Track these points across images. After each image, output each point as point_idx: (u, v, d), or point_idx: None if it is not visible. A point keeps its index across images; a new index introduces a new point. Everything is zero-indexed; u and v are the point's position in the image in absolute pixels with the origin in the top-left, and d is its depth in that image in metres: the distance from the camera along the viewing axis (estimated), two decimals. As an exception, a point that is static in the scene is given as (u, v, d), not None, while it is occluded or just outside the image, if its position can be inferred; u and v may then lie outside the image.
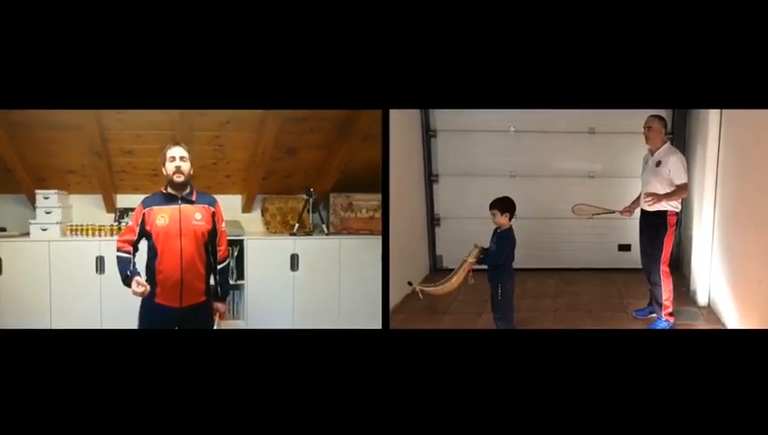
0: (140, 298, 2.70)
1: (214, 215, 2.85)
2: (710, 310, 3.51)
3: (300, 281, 4.26)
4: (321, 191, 4.53)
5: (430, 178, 4.46)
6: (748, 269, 2.98)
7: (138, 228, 2.76)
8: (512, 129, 4.35)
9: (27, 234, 4.02)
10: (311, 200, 4.43)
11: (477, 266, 3.06)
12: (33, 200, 4.10)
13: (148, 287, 2.63)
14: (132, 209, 2.99)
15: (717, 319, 3.37)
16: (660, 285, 3.20)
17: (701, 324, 3.34)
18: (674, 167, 3.11)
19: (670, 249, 3.20)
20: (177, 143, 2.82)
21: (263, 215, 4.60)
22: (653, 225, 3.21)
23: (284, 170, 4.43)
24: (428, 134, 4.38)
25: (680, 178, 3.11)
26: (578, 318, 3.50)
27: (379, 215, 4.45)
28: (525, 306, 3.63)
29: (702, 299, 3.59)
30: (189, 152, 2.80)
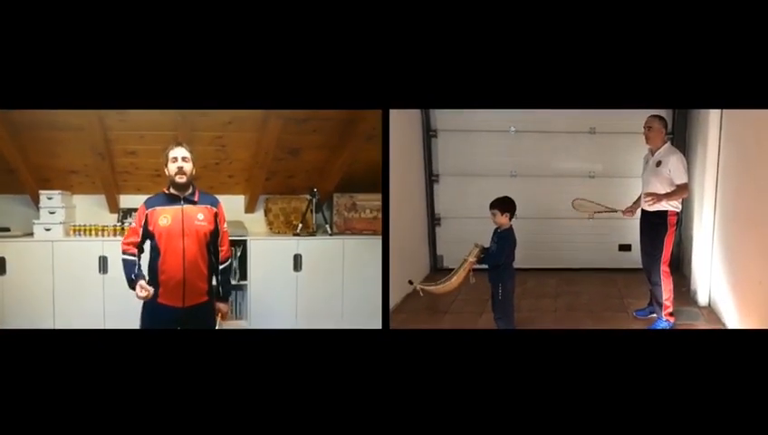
0: (143, 299, 2.71)
1: (216, 215, 2.86)
2: (710, 310, 3.51)
3: (303, 281, 4.27)
4: (325, 192, 4.54)
5: (431, 178, 4.47)
6: (748, 269, 2.98)
7: (141, 229, 2.78)
8: (512, 129, 4.35)
9: (31, 234, 4.04)
10: (314, 201, 4.43)
11: (478, 266, 3.06)
12: (36, 201, 4.12)
13: (152, 291, 2.65)
14: (135, 210, 3.00)
15: (718, 319, 3.37)
16: (661, 285, 3.20)
17: (701, 324, 3.34)
18: (674, 167, 3.11)
19: (671, 249, 3.20)
20: (179, 144, 2.83)
21: (266, 215, 4.61)
22: (653, 225, 3.21)
23: (287, 171, 4.44)
24: (429, 134, 4.39)
25: (680, 178, 3.11)
26: (578, 318, 3.50)
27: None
28: (526, 306, 3.63)
29: (702, 299, 3.59)
30: (191, 153, 2.81)
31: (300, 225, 4.40)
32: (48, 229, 4.02)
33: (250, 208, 4.65)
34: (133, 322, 2.82)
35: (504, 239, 3.03)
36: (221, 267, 2.91)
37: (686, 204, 3.61)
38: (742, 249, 3.10)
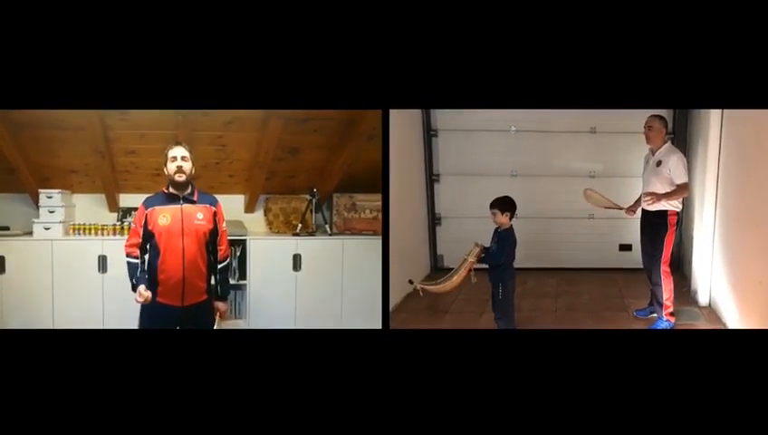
0: (142, 299, 2.72)
1: (215, 215, 2.87)
2: (711, 310, 3.51)
3: (302, 281, 4.26)
4: (325, 192, 4.54)
5: (431, 178, 4.47)
6: (749, 269, 2.98)
7: (141, 229, 2.78)
8: (513, 128, 4.35)
9: (30, 233, 4.03)
10: (314, 200, 4.43)
11: (478, 265, 3.06)
12: (36, 200, 4.12)
13: (150, 296, 2.66)
14: (135, 209, 3.00)
15: (718, 319, 3.36)
16: (661, 285, 3.20)
17: (702, 324, 3.34)
18: (674, 166, 3.11)
19: (671, 249, 3.20)
20: (178, 143, 2.84)
21: (265, 215, 4.61)
22: (654, 225, 3.21)
23: (287, 171, 4.44)
24: (429, 134, 4.39)
25: (680, 178, 3.11)
26: (579, 318, 3.50)
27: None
28: (526, 306, 3.63)
29: (703, 299, 3.59)
30: (191, 152, 2.82)
31: (299, 225, 4.40)
32: (47, 228, 4.01)
33: (250, 208, 4.65)
34: (132, 321, 2.82)
35: (505, 239, 3.02)
36: (220, 266, 2.93)
37: (687, 204, 3.61)
38: (742, 249, 3.10)
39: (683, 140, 4.01)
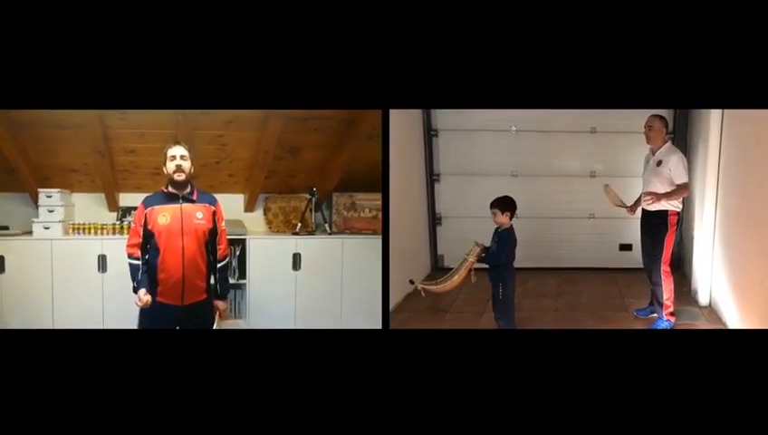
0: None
1: (214, 214, 2.87)
2: (711, 310, 3.51)
3: (302, 280, 4.26)
4: (324, 191, 4.54)
5: (432, 178, 4.47)
6: (749, 269, 2.98)
7: (142, 229, 2.78)
8: (513, 128, 4.35)
9: (30, 232, 4.03)
10: (313, 200, 4.43)
11: (478, 265, 3.06)
12: (35, 199, 4.11)
13: (150, 300, 2.66)
14: (135, 208, 3.00)
15: (718, 319, 3.36)
16: (661, 285, 3.20)
17: (702, 324, 3.34)
18: (674, 166, 3.11)
19: (671, 249, 3.20)
20: (177, 142, 2.84)
21: (265, 214, 4.60)
22: (654, 224, 3.20)
23: (287, 170, 4.43)
24: (430, 133, 4.39)
25: (681, 178, 3.10)
26: (579, 318, 3.50)
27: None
28: (526, 306, 3.63)
29: (703, 299, 3.59)
30: (190, 151, 2.82)
31: (299, 224, 4.40)
32: (47, 228, 4.01)
33: (249, 207, 4.65)
34: (132, 320, 2.82)
35: (505, 239, 3.02)
36: (219, 265, 2.93)
37: (687, 204, 3.61)
38: (743, 249, 3.10)
39: (683, 139, 4.01)
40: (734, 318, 3.14)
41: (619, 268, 4.32)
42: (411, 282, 3.25)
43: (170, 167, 2.77)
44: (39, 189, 4.09)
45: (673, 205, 3.15)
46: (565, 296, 3.91)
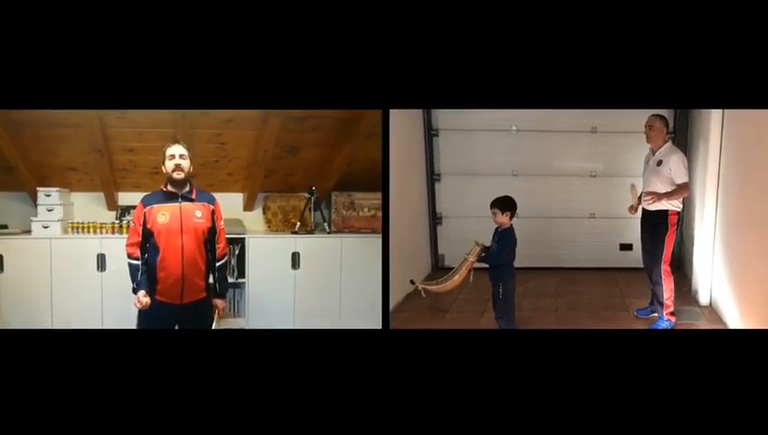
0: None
1: (213, 213, 2.87)
2: (711, 310, 3.51)
3: (301, 279, 4.26)
4: (323, 190, 4.53)
5: (432, 177, 4.47)
6: (750, 269, 2.98)
7: (141, 228, 2.77)
8: (514, 128, 4.34)
9: (29, 231, 4.02)
10: (312, 199, 4.42)
11: (478, 265, 3.06)
12: (34, 198, 4.11)
13: (149, 302, 2.67)
14: (133, 207, 3.00)
15: (719, 319, 3.36)
16: (662, 285, 3.20)
17: (702, 324, 3.34)
18: (675, 166, 3.11)
19: (671, 249, 3.20)
20: (176, 141, 2.84)
21: (264, 213, 4.60)
22: (654, 224, 3.20)
23: (286, 169, 4.43)
24: (430, 133, 4.39)
25: (681, 178, 3.10)
26: (579, 317, 3.50)
27: (381, 214, 4.45)
28: (527, 305, 3.63)
29: (703, 299, 3.59)
30: (189, 150, 2.82)
31: (298, 223, 4.39)
32: (46, 227, 4.00)
33: (249, 206, 4.64)
34: (131, 319, 2.82)
35: (505, 239, 3.02)
36: (218, 264, 2.93)
37: (688, 203, 3.61)
38: (743, 249, 3.10)
39: (683, 139, 4.01)
40: (735, 318, 3.13)
41: (620, 268, 4.31)
42: (412, 282, 3.25)
43: (169, 166, 2.76)
44: (38, 188, 4.08)
45: (673, 204, 3.15)
46: (565, 296, 3.90)
